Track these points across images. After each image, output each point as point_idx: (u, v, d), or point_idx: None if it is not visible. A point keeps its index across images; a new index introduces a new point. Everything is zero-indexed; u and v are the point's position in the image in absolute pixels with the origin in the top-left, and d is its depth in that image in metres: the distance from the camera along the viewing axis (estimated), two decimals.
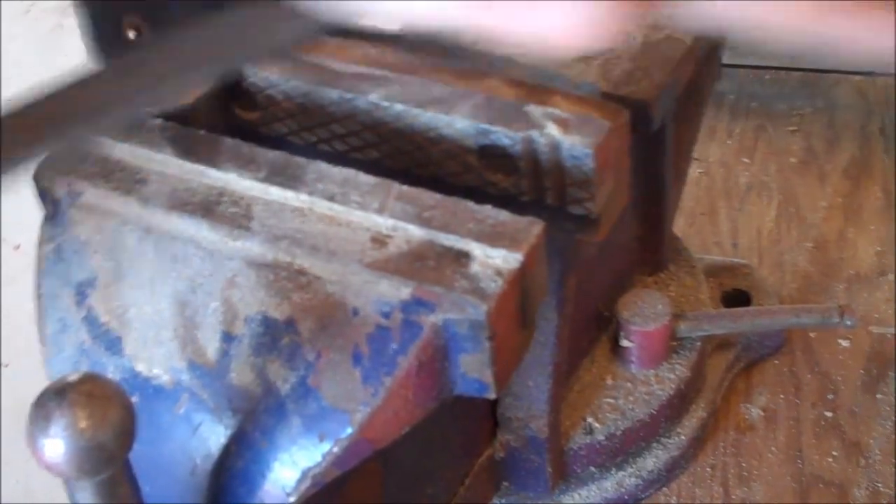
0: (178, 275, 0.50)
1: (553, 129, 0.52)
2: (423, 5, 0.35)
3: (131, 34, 0.58)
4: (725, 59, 0.75)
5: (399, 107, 0.55)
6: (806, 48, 0.39)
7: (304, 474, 0.47)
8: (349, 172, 0.51)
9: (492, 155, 0.54)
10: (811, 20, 0.38)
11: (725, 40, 0.72)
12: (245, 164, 0.51)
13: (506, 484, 0.71)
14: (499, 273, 0.46)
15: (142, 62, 0.37)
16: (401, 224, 0.48)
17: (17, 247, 0.97)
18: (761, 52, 1.01)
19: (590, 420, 0.70)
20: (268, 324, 0.48)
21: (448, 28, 0.36)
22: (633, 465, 0.72)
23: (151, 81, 0.37)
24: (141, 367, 0.50)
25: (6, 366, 0.88)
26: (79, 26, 0.57)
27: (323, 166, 0.51)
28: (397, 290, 0.46)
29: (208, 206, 0.50)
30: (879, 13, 0.38)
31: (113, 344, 0.51)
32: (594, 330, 0.73)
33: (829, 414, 0.77)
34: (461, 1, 0.35)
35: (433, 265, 0.46)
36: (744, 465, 0.75)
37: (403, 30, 0.35)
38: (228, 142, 0.53)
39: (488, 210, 0.48)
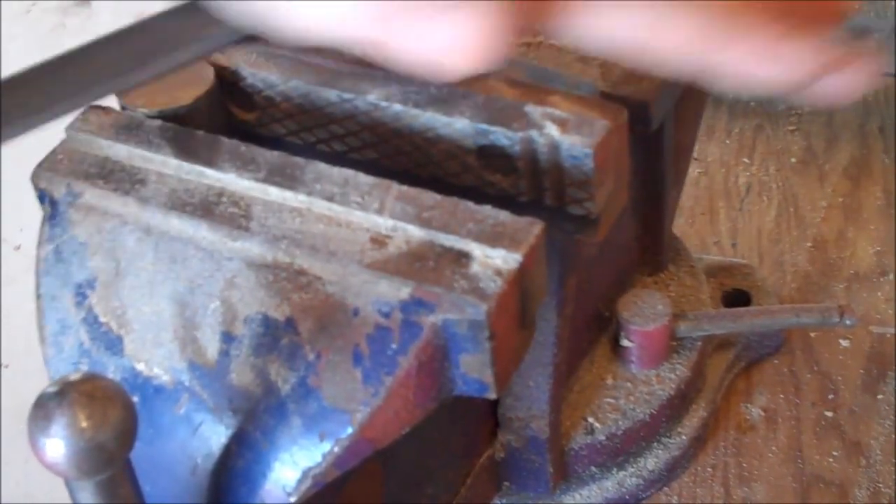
0: (178, 275, 0.50)
1: (552, 129, 0.52)
2: (317, 19, 0.35)
3: None
4: None
5: (398, 107, 0.55)
6: (691, 73, 0.39)
7: (305, 474, 0.47)
8: (348, 173, 0.51)
9: (491, 155, 0.54)
10: (697, 45, 0.38)
11: None
12: (244, 165, 0.51)
13: (507, 484, 0.71)
14: (498, 273, 0.46)
15: (55, 71, 0.38)
16: (400, 224, 0.48)
17: (18, 247, 0.98)
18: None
19: (590, 420, 0.70)
20: (268, 324, 0.48)
21: (343, 43, 0.36)
22: (634, 465, 0.72)
23: (67, 91, 0.37)
24: (141, 368, 0.51)
25: (6, 366, 0.88)
26: None
27: (322, 166, 0.51)
28: (397, 291, 0.46)
29: (207, 207, 0.51)
30: (767, 39, 0.38)
31: (113, 344, 0.51)
32: (594, 330, 0.74)
33: (829, 414, 0.77)
34: (356, 16, 0.35)
35: (433, 265, 0.46)
36: (744, 464, 0.75)
37: (302, 42, 0.35)
38: (227, 142, 0.53)
39: (488, 210, 0.48)
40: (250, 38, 0.37)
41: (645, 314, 0.71)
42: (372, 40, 0.36)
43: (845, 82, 0.40)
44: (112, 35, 0.37)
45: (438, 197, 0.49)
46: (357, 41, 0.36)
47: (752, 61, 0.39)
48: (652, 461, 0.72)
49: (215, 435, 0.49)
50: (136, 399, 0.49)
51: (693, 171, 0.95)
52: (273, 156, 0.52)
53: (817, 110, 1.00)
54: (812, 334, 0.81)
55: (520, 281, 0.46)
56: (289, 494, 0.47)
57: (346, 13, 0.35)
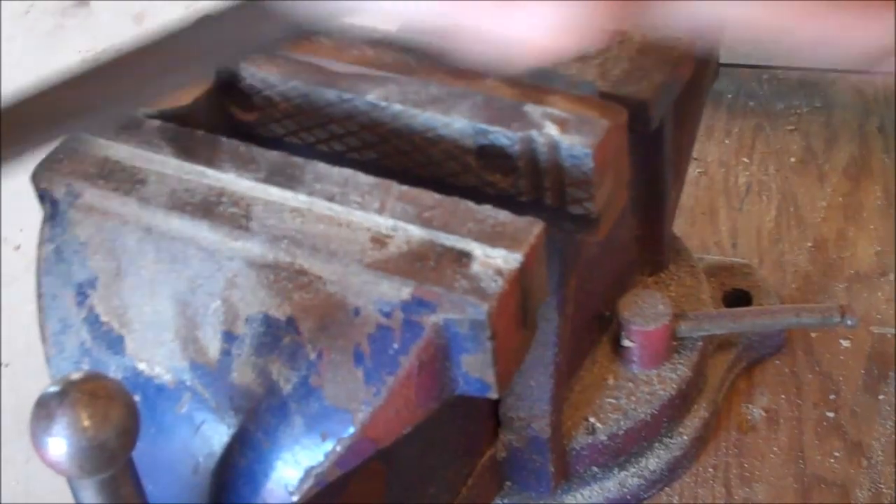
0: (179, 275, 0.50)
1: (552, 129, 0.52)
2: (400, 5, 0.35)
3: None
4: (723, 59, 0.75)
5: (397, 107, 0.55)
6: (793, 47, 0.39)
7: (307, 473, 0.47)
8: (349, 173, 0.51)
9: (490, 155, 0.54)
10: (798, 18, 0.38)
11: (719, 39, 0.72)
12: (245, 165, 0.51)
13: (508, 484, 0.71)
14: (499, 273, 0.46)
15: (129, 62, 0.37)
16: (401, 224, 0.48)
17: (18, 247, 0.98)
18: (755, 52, 1.01)
19: (592, 420, 0.70)
20: (269, 324, 0.48)
21: (426, 28, 0.36)
22: (636, 465, 0.72)
23: (139, 82, 0.37)
24: (143, 367, 0.51)
25: (6, 366, 0.88)
26: None
27: (322, 166, 0.51)
28: (398, 290, 0.46)
29: (208, 207, 0.51)
30: (868, 10, 0.38)
31: (114, 343, 0.51)
32: (595, 330, 0.73)
33: (830, 414, 0.77)
34: (441, 1, 0.34)
35: (433, 265, 0.46)
36: (746, 465, 0.75)
37: (383, 31, 0.35)
38: (228, 142, 0.53)
39: (488, 210, 0.48)
40: (306, 34, 0.37)
41: (646, 314, 0.71)
42: (450, 26, 0.35)
43: None
44: (164, 36, 0.37)
45: (439, 197, 0.49)
46: (435, 28, 0.36)
47: (841, 32, 0.38)
48: (653, 461, 0.72)
49: (217, 434, 0.49)
50: (137, 398, 0.49)
51: (693, 170, 0.95)
52: (273, 156, 0.52)
53: (817, 109, 1.00)
54: (813, 334, 0.81)
55: (520, 281, 0.46)
56: (291, 494, 0.47)
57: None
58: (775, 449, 0.75)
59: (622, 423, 0.70)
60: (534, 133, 0.53)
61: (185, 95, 0.56)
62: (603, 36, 0.35)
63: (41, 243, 0.53)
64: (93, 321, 0.51)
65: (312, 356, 0.47)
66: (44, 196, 0.54)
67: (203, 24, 0.37)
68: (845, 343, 0.81)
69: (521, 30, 0.35)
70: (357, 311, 0.47)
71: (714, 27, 0.38)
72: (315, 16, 0.36)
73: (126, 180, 0.52)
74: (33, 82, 0.36)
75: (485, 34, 0.35)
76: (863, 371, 0.79)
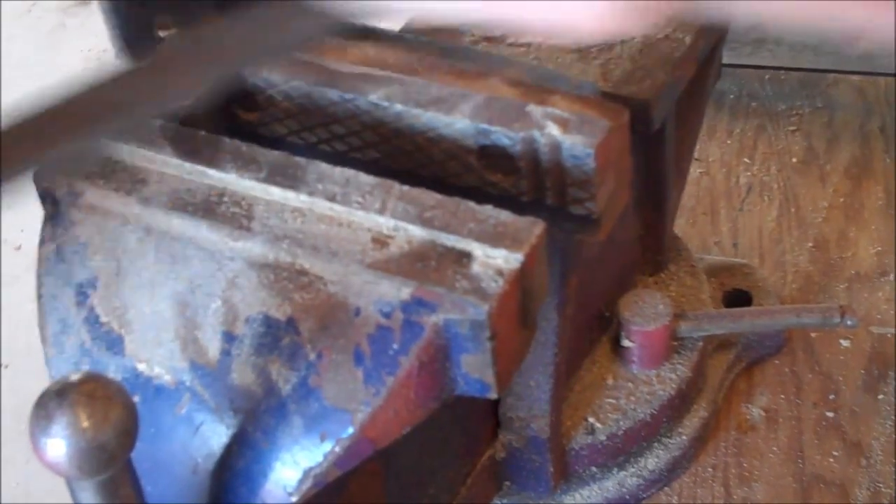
0: (179, 275, 0.50)
1: (553, 129, 0.52)
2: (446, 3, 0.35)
3: (162, 34, 0.58)
4: (725, 59, 0.75)
5: (399, 107, 0.55)
6: (828, 35, 0.39)
7: (306, 474, 0.47)
8: (350, 173, 0.51)
9: (492, 155, 0.54)
10: (831, 7, 0.38)
11: (724, 38, 0.72)
12: (246, 165, 0.51)
13: (507, 484, 0.71)
14: (500, 273, 0.46)
15: (163, 63, 0.37)
16: (402, 224, 0.48)
17: (18, 247, 0.98)
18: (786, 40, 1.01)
19: (591, 420, 0.70)
20: (269, 324, 0.48)
21: (472, 19, 0.36)
22: (635, 465, 0.72)
23: (172, 81, 0.37)
24: (142, 368, 0.50)
25: (6, 366, 0.88)
26: (107, 26, 0.57)
27: (324, 166, 0.51)
28: (398, 291, 0.46)
29: (209, 207, 0.50)
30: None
31: (114, 344, 0.51)
32: (595, 330, 0.73)
33: (830, 414, 0.77)
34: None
35: (434, 265, 0.46)
36: (745, 465, 0.75)
37: (423, 24, 0.35)
38: (229, 142, 0.53)
39: (489, 210, 0.48)
40: (346, 29, 0.37)
41: (646, 314, 0.71)
42: (505, 13, 0.35)
43: None
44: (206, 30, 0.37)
45: (440, 197, 0.49)
46: (489, 15, 0.36)
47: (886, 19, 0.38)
48: (652, 461, 0.72)
49: (216, 435, 0.49)
50: (137, 399, 0.49)
51: (694, 171, 0.95)
52: (274, 156, 0.52)
53: (819, 110, 1.00)
54: (813, 334, 0.81)
55: (521, 281, 0.46)
56: (290, 494, 0.47)
57: None
58: (775, 449, 0.75)
59: (621, 423, 0.70)
60: (535, 133, 0.52)
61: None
62: (656, 20, 0.35)
63: (42, 243, 0.53)
64: (93, 321, 0.51)
65: (312, 356, 0.47)
66: (45, 196, 0.54)
67: (234, 24, 0.37)
68: (845, 343, 0.81)
69: (576, 14, 0.35)
70: (357, 312, 0.47)
71: (749, 16, 0.37)
72: (348, 13, 0.36)
73: (127, 180, 0.52)
74: (47, 88, 0.36)
75: (540, 19, 0.35)
76: (862, 371, 0.79)
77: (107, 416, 0.39)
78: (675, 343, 0.73)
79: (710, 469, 0.75)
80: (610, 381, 0.72)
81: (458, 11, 0.36)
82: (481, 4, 0.35)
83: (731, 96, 1.02)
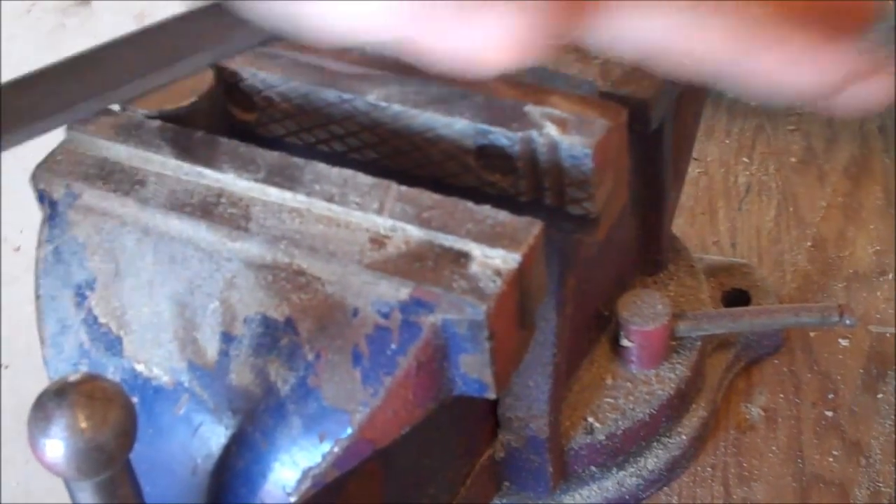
0: (177, 276, 0.50)
1: (552, 129, 0.52)
2: (348, 19, 0.35)
3: None
4: None
5: (397, 107, 0.55)
6: (722, 77, 0.39)
7: (305, 474, 0.47)
8: (348, 173, 0.51)
9: (490, 155, 0.54)
10: (731, 50, 0.38)
11: None
12: (243, 165, 0.51)
13: (507, 484, 0.71)
14: (498, 273, 0.46)
15: (98, 60, 0.37)
16: (400, 224, 0.48)
17: (18, 248, 0.98)
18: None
19: (590, 420, 0.70)
20: (267, 324, 0.48)
21: (374, 42, 0.36)
22: (634, 465, 0.72)
23: (82, 94, 0.37)
24: (141, 368, 0.51)
25: (6, 367, 0.88)
26: None
27: (321, 167, 0.51)
28: (396, 291, 0.46)
29: (207, 207, 0.51)
30: (801, 45, 0.38)
31: (112, 345, 0.51)
32: (594, 330, 0.74)
33: (829, 413, 0.77)
34: (388, 15, 0.34)
35: (432, 265, 0.46)
36: (744, 464, 0.75)
37: (332, 44, 0.35)
38: (227, 143, 0.53)
39: (487, 210, 0.48)
40: (274, 41, 0.37)
41: (644, 314, 0.71)
42: (405, 39, 0.36)
43: (875, 90, 0.40)
44: (132, 36, 0.37)
45: (438, 197, 0.49)
46: (389, 40, 0.36)
47: (786, 67, 0.38)
48: (652, 461, 0.72)
49: (215, 435, 0.49)
50: (135, 400, 0.49)
51: (693, 170, 0.95)
52: (272, 156, 0.52)
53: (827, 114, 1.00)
54: (812, 334, 0.81)
55: (519, 281, 0.46)
56: (289, 495, 0.47)
57: (378, 12, 0.34)
58: (774, 448, 0.75)
59: (621, 422, 0.70)
60: (533, 133, 0.53)
61: (186, 95, 0.56)
62: (550, 48, 0.36)
63: (40, 244, 0.53)
64: (91, 322, 0.51)
65: (310, 357, 0.47)
66: (43, 197, 0.54)
67: (163, 29, 0.37)
68: (844, 342, 0.81)
69: (471, 46, 0.35)
70: (355, 312, 0.47)
71: (646, 52, 0.38)
72: (272, 26, 0.36)
73: (125, 181, 0.52)
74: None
75: (438, 48, 0.36)
76: (861, 370, 0.79)
77: (105, 417, 0.39)
78: (674, 343, 0.73)
79: (709, 469, 0.75)
80: (609, 381, 0.72)
81: (370, 32, 0.36)
82: (393, 27, 0.35)
83: (730, 95, 1.02)
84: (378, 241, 0.48)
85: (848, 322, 0.72)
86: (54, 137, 0.54)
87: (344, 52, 0.58)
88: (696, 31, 0.37)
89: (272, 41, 0.37)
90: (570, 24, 0.36)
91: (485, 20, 0.34)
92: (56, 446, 0.38)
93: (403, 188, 0.49)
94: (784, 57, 0.38)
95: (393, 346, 0.46)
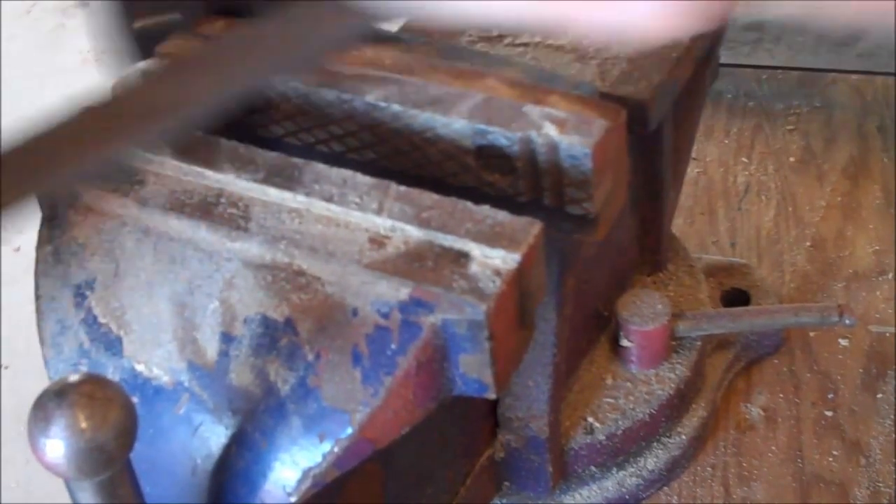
0: (177, 276, 0.50)
1: (551, 130, 0.52)
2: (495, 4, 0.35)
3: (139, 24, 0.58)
4: (723, 59, 0.75)
5: (396, 107, 0.55)
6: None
7: (305, 474, 0.47)
8: (347, 173, 0.51)
9: (489, 155, 0.54)
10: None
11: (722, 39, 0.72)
12: (243, 166, 0.51)
13: (507, 484, 0.71)
14: (497, 273, 0.46)
15: (182, 70, 0.37)
16: (399, 225, 0.48)
17: (18, 248, 0.98)
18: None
19: (590, 420, 0.70)
20: (267, 324, 0.48)
21: (531, 21, 0.36)
22: (634, 465, 0.72)
23: (193, 91, 0.36)
24: (141, 368, 0.51)
25: (6, 367, 0.88)
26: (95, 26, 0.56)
27: (321, 167, 0.51)
28: (396, 291, 0.46)
29: (206, 208, 0.51)
30: None
31: (112, 345, 0.51)
32: (594, 330, 0.74)
33: (829, 413, 0.77)
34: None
35: (432, 265, 0.47)
36: (744, 464, 0.75)
37: (482, 26, 0.35)
38: (226, 143, 0.53)
39: (486, 210, 0.48)
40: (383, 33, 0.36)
41: (644, 314, 0.71)
42: (567, 15, 0.35)
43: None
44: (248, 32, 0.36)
45: (437, 197, 0.49)
46: (550, 18, 0.35)
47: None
48: (652, 461, 0.72)
49: (215, 435, 0.49)
50: (135, 400, 0.49)
51: (692, 170, 0.95)
52: (272, 157, 0.52)
53: (816, 109, 1.00)
54: (811, 334, 0.81)
55: (519, 281, 0.46)
56: (289, 494, 0.47)
57: None
58: (774, 448, 0.75)
59: (620, 422, 0.70)
60: (532, 133, 0.53)
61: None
62: (714, 19, 0.35)
63: (40, 244, 0.53)
64: (91, 322, 0.51)
65: (310, 357, 0.47)
66: (42, 197, 0.54)
67: (274, 26, 0.36)
68: (844, 342, 0.81)
69: (633, 17, 0.35)
70: (355, 312, 0.47)
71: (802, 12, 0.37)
72: (394, 14, 0.35)
73: (125, 181, 0.52)
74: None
75: (596, 22, 0.35)
76: (861, 370, 0.79)
77: (105, 417, 0.39)
78: (674, 343, 0.73)
79: (709, 468, 0.75)
80: (609, 381, 0.72)
81: (511, 12, 0.35)
82: (537, 5, 0.35)
83: (729, 96, 1.02)
84: (377, 241, 0.48)
85: (847, 322, 0.72)
86: None
87: (343, 53, 0.58)
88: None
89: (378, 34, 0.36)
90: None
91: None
92: (56, 446, 0.38)
93: (402, 188, 0.50)
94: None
95: (393, 346, 0.46)
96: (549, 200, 0.54)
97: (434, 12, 0.35)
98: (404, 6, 0.35)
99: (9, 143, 0.34)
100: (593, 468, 0.71)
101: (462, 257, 0.47)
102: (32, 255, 0.54)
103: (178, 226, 0.50)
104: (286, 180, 0.51)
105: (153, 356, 0.50)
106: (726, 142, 0.98)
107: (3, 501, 0.79)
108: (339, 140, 0.57)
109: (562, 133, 0.52)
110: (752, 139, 0.98)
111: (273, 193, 0.50)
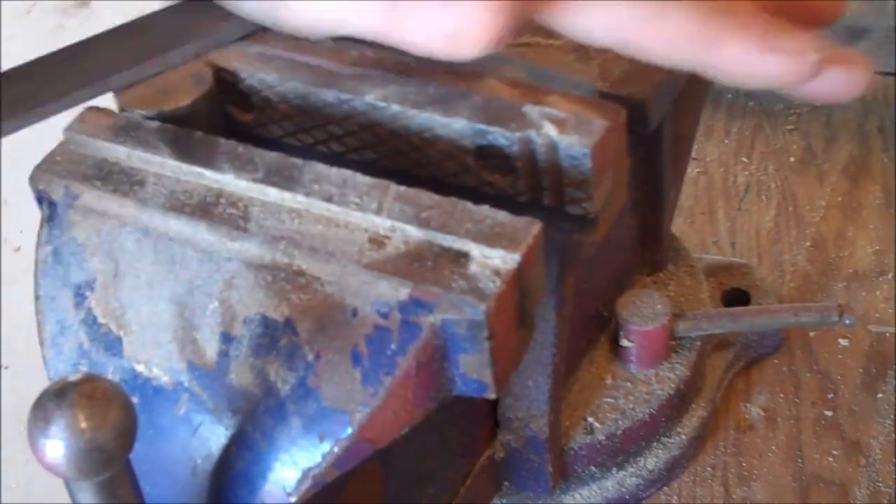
0: (177, 276, 0.50)
1: (550, 129, 0.52)
2: (324, 11, 0.35)
3: None
4: None
5: (395, 107, 0.55)
6: (687, 67, 0.39)
7: (305, 474, 0.47)
8: (347, 173, 0.51)
9: (489, 155, 0.54)
10: (690, 42, 0.38)
11: None
12: (242, 166, 0.51)
13: (506, 484, 0.71)
14: (497, 273, 0.46)
15: (90, 51, 0.37)
16: (399, 225, 0.48)
17: (18, 249, 0.98)
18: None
19: (590, 420, 0.70)
20: (266, 325, 0.48)
21: (350, 33, 0.36)
22: (634, 465, 0.72)
23: (69, 85, 0.37)
24: (141, 368, 0.51)
25: (6, 367, 0.88)
26: None
27: (320, 167, 0.51)
28: (396, 291, 0.46)
29: (206, 208, 0.51)
30: (762, 34, 0.38)
31: (112, 345, 0.51)
32: (593, 330, 0.74)
33: (828, 413, 0.77)
34: (362, 7, 0.35)
35: (431, 266, 0.47)
36: (744, 464, 0.75)
37: (309, 35, 0.36)
38: (226, 143, 0.53)
39: (486, 210, 0.48)
40: (253, 35, 0.37)
41: (644, 314, 0.71)
42: (380, 28, 0.36)
43: (841, 80, 0.40)
44: (115, 30, 0.37)
45: (437, 197, 0.49)
46: (366, 31, 0.36)
47: (748, 57, 0.39)
48: (652, 461, 0.72)
49: (215, 436, 0.49)
50: (135, 400, 0.49)
51: (692, 170, 0.95)
52: (271, 157, 0.52)
53: (816, 109, 1.00)
54: (811, 333, 0.81)
55: (518, 281, 0.46)
56: (289, 495, 0.47)
57: (352, 5, 0.35)
58: (774, 448, 0.75)
59: (620, 422, 0.70)
60: (532, 133, 0.53)
61: (184, 96, 0.56)
62: (503, 41, 0.36)
63: (39, 245, 0.53)
64: (91, 323, 0.52)
65: (310, 357, 0.47)
66: (42, 198, 0.54)
67: (147, 23, 0.37)
68: (844, 342, 0.81)
69: (441, 35, 0.36)
70: (355, 312, 0.47)
71: (603, 40, 0.38)
72: (253, 19, 0.36)
73: (124, 182, 0.52)
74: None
75: (412, 36, 0.36)
76: (861, 370, 0.79)
77: (105, 417, 0.39)
78: (674, 343, 0.73)
79: (709, 468, 0.75)
80: (608, 381, 0.72)
81: (348, 26, 0.36)
82: (366, 17, 0.35)
83: (729, 95, 1.02)
84: (377, 241, 0.48)
85: (847, 322, 0.73)
86: (53, 138, 0.54)
87: (342, 53, 0.58)
88: (652, 24, 0.38)
89: (255, 34, 0.37)
90: (533, 13, 0.36)
91: (451, 9, 0.35)
92: (56, 446, 0.38)
93: (402, 188, 0.50)
94: (746, 46, 0.39)
95: (392, 347, 0.46)
96: (549, 200, 0.54)
97: (270, 21, 0.36)
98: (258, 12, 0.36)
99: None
100: (593, 468, 0.71)
101: (462, 257, 0.47)
102: (32, 255, 0.54)
103: (178, 226, 0.50)
104: (286, 180, 0.51)
105: (153, 356, 0.50)
106: (726, 142, 0.99)
107: (3, 501, 0.79)
108: (339, 140, 0.57)
109: (561, 133, 0.52)
110: (753, 139, 0.98)
111: (272, 193, 0.50)
